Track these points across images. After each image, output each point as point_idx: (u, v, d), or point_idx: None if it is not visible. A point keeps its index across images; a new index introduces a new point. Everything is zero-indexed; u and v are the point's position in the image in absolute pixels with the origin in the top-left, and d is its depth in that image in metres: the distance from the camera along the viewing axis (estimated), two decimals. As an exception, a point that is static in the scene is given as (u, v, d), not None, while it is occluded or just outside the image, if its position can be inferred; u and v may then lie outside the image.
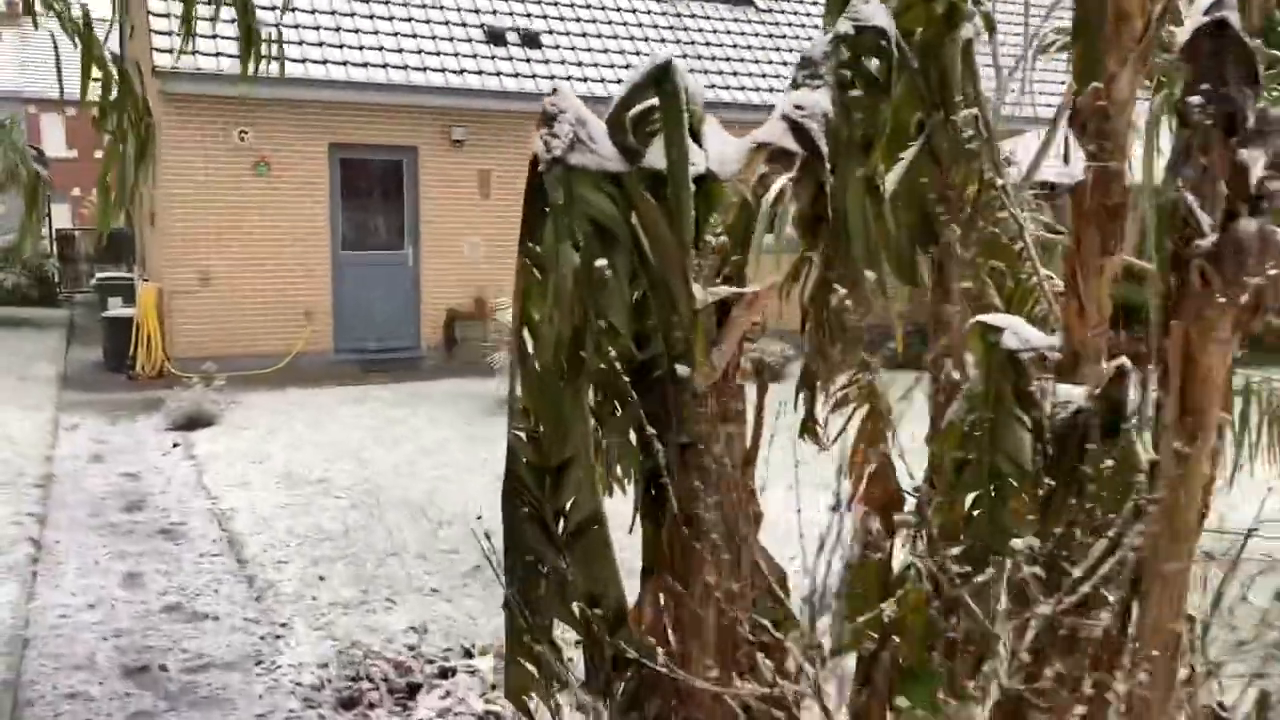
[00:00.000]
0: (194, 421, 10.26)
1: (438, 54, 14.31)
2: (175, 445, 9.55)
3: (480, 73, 14.37)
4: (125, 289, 16.47)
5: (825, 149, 2.57)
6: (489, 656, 4.94)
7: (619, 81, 15.25)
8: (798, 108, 2.50)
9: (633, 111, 2.26)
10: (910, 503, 3.26)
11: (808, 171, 2.61)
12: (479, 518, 7.00)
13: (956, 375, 3.33)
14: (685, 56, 15.67)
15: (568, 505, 2.37)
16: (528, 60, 14.86)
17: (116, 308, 14.85)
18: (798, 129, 2.50)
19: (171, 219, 13.25)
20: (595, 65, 15.16)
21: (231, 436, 9.82)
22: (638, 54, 15.70)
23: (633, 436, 2.48)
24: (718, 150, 2.52)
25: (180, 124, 12.83)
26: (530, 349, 2.22)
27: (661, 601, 2.50)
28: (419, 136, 14.36)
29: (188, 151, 12.88)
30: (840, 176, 2.69)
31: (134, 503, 7.71)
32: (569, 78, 14.82)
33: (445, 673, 4.76)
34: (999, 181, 3.19)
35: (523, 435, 2.24)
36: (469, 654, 4.97)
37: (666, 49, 15.57)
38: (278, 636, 5.14)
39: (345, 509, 7.32)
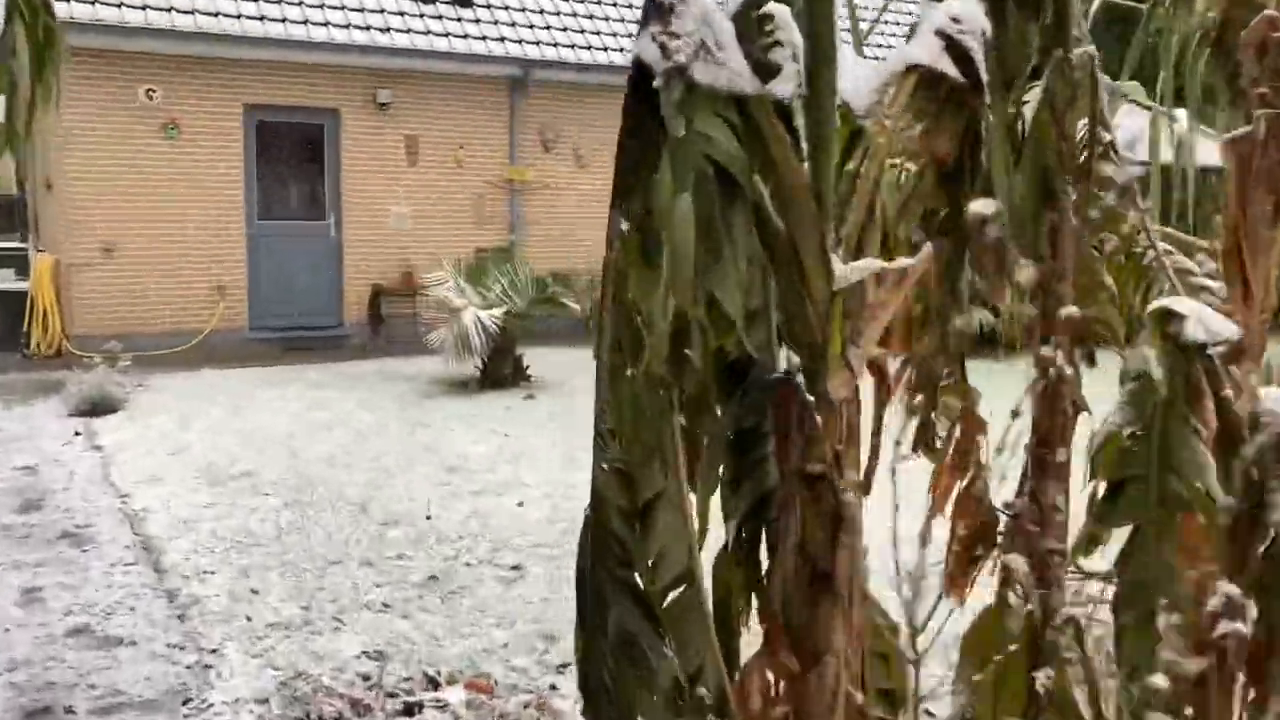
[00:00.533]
0: (98, 407, 9.33)
1: (362, 10, 13.38)
2: (77, 434, 8.63)
3: (408, 31, 13.48)
4: (18, 260, 15.19)
5: (985, 76, 1.97)
6: (458, 687, 4.30)
7: (554, 45, 14.52)
8: (954, 21, 1.88)
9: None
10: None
11: (954, 106, 2.00)
12: (428, 517, 6.21)
13: (1069, 369, 2.76)
14: (624, 20, 14.98)
15: (652, 559, 1.74)
16: (459, 19, 14.01)
17: (8, 280, 13.67)
18: (954, 49, 1.89)
19: (70, 185, 12.15)
20: (530, 27, 14.36)
21: (141, 424, 8.93)
22: (574, 15, 14.94)
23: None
24: (848, 74, 1.91)
25: (80, 80, 11.72)
26: (619, 347, 1.58)
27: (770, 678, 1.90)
28: (342, 99, 13.45)
29: (88, 111, 11.78)
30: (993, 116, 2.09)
31: (31, 501, 6.82)
32: (502, 39, 14.02)
33: (410, 709, 4.10)
34: (1106, 136, 2.63)
35: (607, 468, 1.60)
36: (434, 683, 4.31)
37: (604, 10, 14.87)
38: (207, 666, 4.41)
39: (276, 508, 6.56)
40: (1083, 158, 2.68)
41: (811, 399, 1.77)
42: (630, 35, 15.00)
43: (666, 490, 1.70)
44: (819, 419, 1.79)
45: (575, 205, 14.75)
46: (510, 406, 9.94)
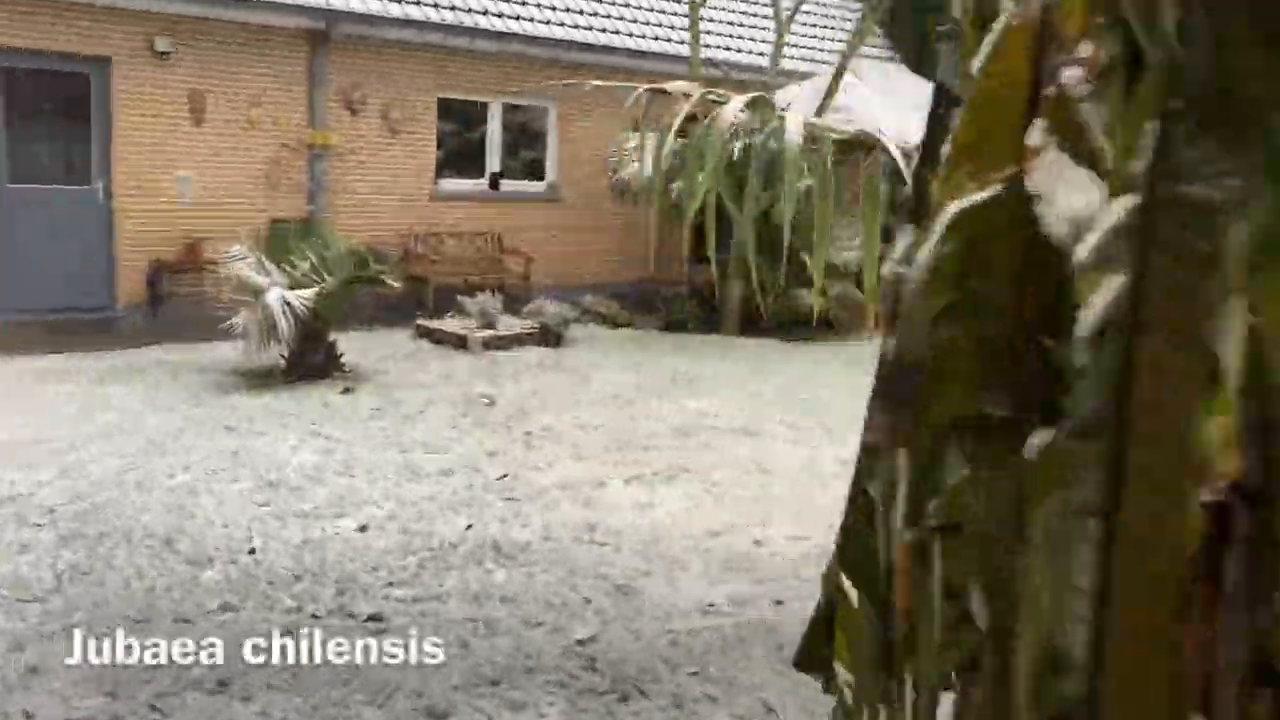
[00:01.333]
0: None
1: (135, -56, 11.63)
2: None
3: (192, -29, 11.83)
4: None
5: None
6: (328, 797, 3.32)
7: (364, -5, 13.15)
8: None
9: None
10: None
11: None
12: (252, 552, 4.89)
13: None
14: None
15: None
16: (251, -40, 12.41)
17: None
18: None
19: None
20: (334, -27, 12.91)
21: None
22: (381, -34, 13.55)
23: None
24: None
25: None
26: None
27: None
28: (112, 45, 11.65)
29: None
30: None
31: None
32: (302, -13, 12.53)
33: (269, 840, 3.11)
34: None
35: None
36: (295, 794, 3.32)
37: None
38: (-27, 792, 3.26)
39: (54, 545, 5.26)
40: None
41: None
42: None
43: None
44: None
45: (383, 174, 13.51)
46: (328, 402, 8.76)
